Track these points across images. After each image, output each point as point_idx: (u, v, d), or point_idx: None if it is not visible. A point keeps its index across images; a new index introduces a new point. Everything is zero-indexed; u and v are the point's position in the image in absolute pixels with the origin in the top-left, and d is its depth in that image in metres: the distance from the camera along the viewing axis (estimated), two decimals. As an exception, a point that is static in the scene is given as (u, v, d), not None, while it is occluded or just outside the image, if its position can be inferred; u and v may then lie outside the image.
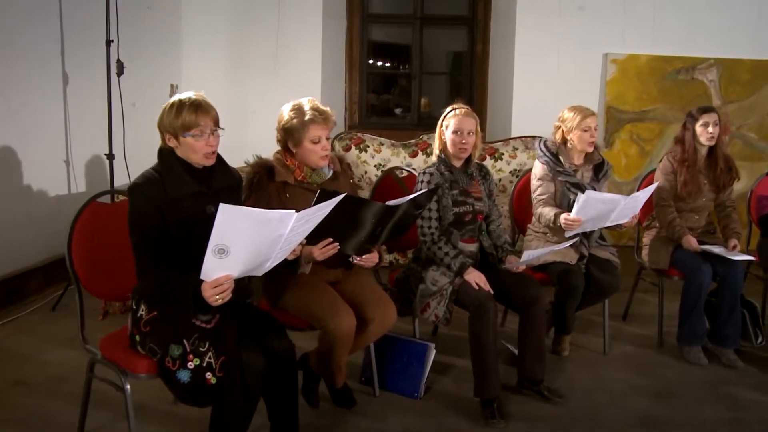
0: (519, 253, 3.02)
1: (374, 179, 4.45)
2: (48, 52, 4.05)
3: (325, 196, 2.10)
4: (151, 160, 2.25)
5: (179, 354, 2.08)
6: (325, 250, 2.41)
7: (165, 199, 2.14)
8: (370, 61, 6.30)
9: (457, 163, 2.97)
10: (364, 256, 2.58)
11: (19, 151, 3.86)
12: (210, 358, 2.06)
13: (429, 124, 5.57)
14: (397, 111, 6.74)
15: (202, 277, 1.95)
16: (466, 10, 6.00)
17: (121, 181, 4.21)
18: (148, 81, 4.97)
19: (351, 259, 2.59)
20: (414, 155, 5.09)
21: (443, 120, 2.96)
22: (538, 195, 3.24)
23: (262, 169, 2.61)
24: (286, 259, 2.16)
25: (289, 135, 2.61)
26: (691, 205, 3.47)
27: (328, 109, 2.63)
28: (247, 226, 1.86)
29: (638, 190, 3.47)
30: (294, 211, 1.90)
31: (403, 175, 3.44)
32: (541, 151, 3.28)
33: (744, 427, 2.77)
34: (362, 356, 3.01)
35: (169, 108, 2.18)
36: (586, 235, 3.19)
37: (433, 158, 2.99)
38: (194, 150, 2.18)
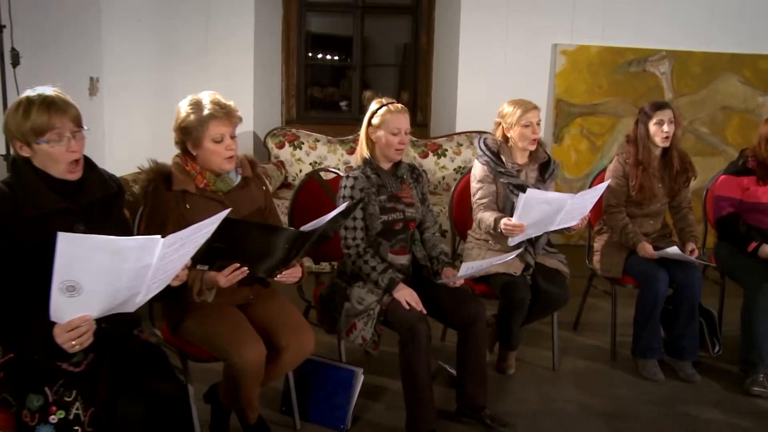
0: (457, 265, 2.70)
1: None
2: None
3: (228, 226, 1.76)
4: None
5: (39, 405, 1.76)
6: (231, 276, 2.07)
7: (16, 218, 1.77)
8: (312, 53, 5.97)
9: (386, 166, 2.63)
10: (284, 272, 2.23)
11: None
12: (78, 409, 1.77)
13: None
14: (343, 104, 6.39)
15: (52, 318, 1.59)
16: (409, 0, 5.69)
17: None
18: (60, 73, 4.47)
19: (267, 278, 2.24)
20: (352, 152, 4.78)
21: (372, 117, 2.60)
22: (479, 199, 2.93)
23: (158, 176, 2.24)
24: (170, 286, 1.80)
25: (187, 135, 2.24)
26: (645, 210, 3.21)
27: (231, 103, 2.27)
28: (97, 258, 1.49)
29: (589, 187, 3.20)
30: (159, 236, 1.54)
31: (329, 178, 3.07)
32: (481, 150, 2.97)
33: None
34: (282, 382, 2.66)
35: (15, 109, 1.80)
36: (531, 242, 2.90)
37: (358, 160, 2.64)
38: (53, 159, 1.81)
